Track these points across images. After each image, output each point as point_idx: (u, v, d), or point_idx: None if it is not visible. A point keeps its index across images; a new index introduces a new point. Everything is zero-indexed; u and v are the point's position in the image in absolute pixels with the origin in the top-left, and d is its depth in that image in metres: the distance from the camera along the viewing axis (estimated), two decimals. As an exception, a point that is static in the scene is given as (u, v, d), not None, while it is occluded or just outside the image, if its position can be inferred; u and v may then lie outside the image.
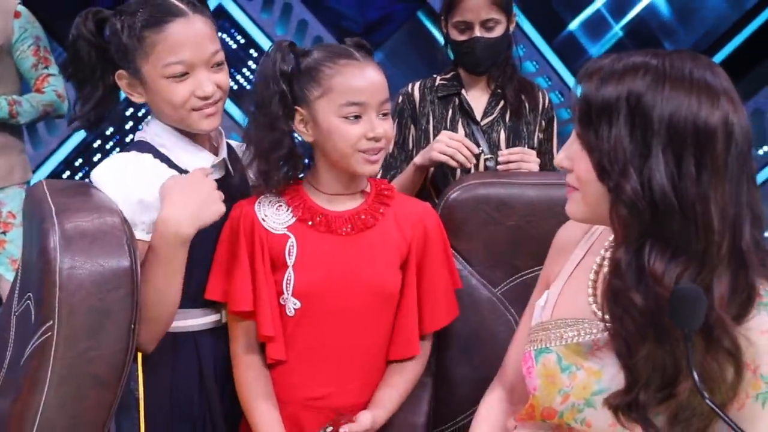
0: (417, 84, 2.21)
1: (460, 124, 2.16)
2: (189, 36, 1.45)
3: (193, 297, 1.55)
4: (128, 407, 1.52)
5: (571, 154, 1.13)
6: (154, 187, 1.44)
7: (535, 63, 3.83)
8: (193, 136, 1.56)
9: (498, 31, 2.10)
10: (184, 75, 1.46)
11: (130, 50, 1.47)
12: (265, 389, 1.55)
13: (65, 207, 1.22)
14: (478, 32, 2.09)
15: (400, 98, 2.19)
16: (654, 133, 1.02)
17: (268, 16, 3.78)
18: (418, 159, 2.04)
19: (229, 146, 1.64)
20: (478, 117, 2.17)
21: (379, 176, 1.97)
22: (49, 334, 1.11)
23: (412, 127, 2.19)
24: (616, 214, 1.06)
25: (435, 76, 2.22)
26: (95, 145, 3.82)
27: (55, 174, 3.76)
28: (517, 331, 1.43)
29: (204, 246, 1.53)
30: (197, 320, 1.59)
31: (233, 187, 1.59)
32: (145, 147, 1.53)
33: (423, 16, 3.87)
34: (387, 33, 3.86)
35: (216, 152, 1.59)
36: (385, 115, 1.50)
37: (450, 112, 2.17)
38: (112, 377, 1.17)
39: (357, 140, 1.47)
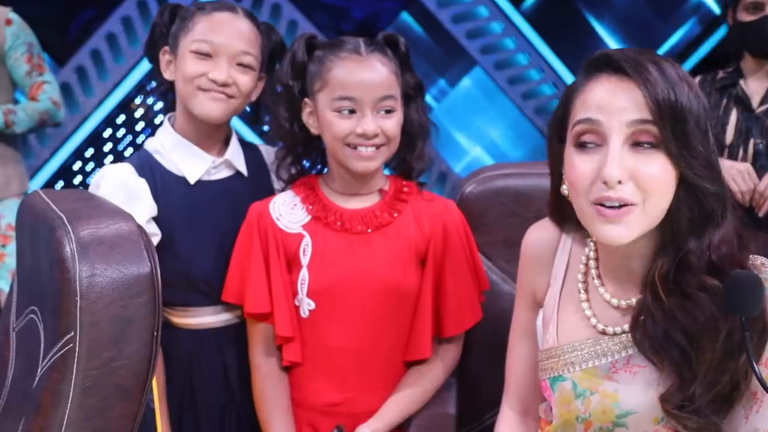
0: (697, 79, 2.30)
1: (734, 111, 2.23)
2: (224, 25, 1.55)
3: (208, 293, 1.59)
4: (145, 420, 1.49)
5: (635, 165, 1.06)
6: (119, 195, 1.50)
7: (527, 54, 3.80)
8: (200, 142, 1.59)
9: None
10: (205, 55, 1.54)
11: (178, 25, 1.58)
12: (281, 401, 1.53)
13: (76, 214, 1.18)
14: None
15: None
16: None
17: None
18: None
19: (252, 149, 1.68)
20: (755, 105, 2.22)
21: None
22: (71, 345, 1.07)
23: None
24: (684, 211, 1.08)
25: (717, 70, 2.31)
26: (87, 154, 3.78)
27: (50, 184, 3.72)
28: (510, 350, 1.37)
29: (223, 245, 1.56)
30: (216, 317, 1.61)
31: (244, 187, 1.62)
32: (141, 156, 1.61)
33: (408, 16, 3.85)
34: (377, 31, 3.84)
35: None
36: (387, 111, 1.47)
37: (725, 101, 2.25)
38: (136, 387, 1.13)
39: (345, 135, 1.45)
